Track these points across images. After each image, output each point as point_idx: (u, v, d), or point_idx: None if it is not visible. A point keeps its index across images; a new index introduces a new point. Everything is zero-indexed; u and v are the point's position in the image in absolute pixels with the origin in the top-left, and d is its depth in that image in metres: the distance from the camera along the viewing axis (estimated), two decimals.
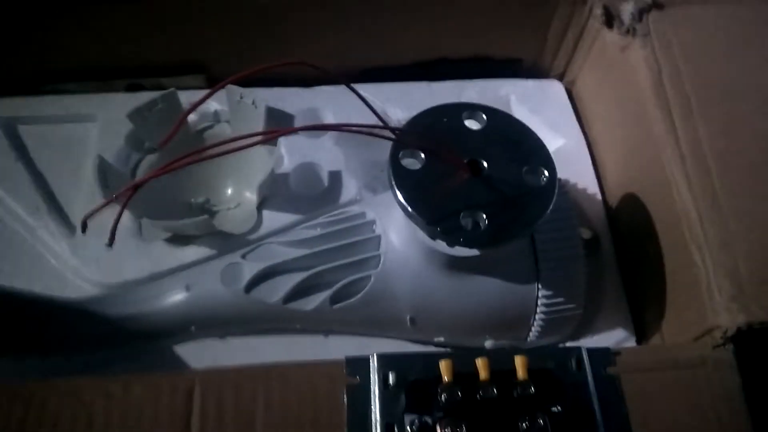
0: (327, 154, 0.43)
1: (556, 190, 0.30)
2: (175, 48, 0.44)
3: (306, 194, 0.41)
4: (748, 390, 0.28)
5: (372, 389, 0.26)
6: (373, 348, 0.36)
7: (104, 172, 0.38)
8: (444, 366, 0.25)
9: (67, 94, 0.45)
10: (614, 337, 0.37)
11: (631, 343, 0.37)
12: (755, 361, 0.29)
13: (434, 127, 0.32)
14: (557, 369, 0.26)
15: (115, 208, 0.39)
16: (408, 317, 0.35)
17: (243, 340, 0.37)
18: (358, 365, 0.27)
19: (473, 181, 0.30)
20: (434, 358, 0.26)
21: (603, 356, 0.27)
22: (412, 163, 0.31)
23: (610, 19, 0.41)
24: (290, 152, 0.42)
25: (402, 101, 0.45)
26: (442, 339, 0.36)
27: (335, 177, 0.42)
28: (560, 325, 0.35)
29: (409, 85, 0.46)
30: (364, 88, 0.45)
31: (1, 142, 0.42)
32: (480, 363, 0.25)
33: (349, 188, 0.42)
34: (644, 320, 0.38)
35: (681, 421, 0.27)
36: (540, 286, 0.34)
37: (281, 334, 0.37)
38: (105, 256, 0.38)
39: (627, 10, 0.39)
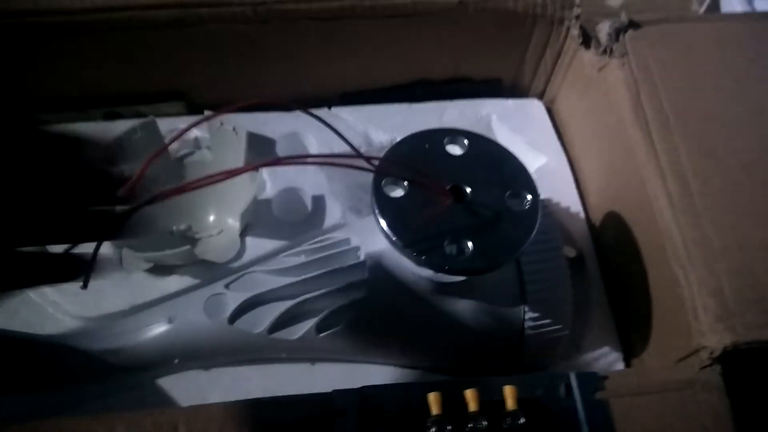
0: (310, 179, 0.43)
1: (539, 214, 0.30)
2: (153, 76, 0.43)
3: (290, 220, 0.41)
4: (737, 411, 0.28)
5: (360, 422, 0.26)
6: (360, 374, 0.36)
7: None
8: (432, 398, 0.25)
9: (46, 123, 0.44)
10: (602, 357, 0.37)
11: (619, 361, 0.37)
12: (742, 382, 0.29)
13: (416, 154, 0.32)
14: (546, 396, 0.26)
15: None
16: (395, 343, 0.35)
17: (228, 370, 0.36)
18: (345, 398, 0.27)
19: (456, 207, 0.30)
20: (422, 390, 0.26)
21: (591, 381, 0.27)
22: (395, 190, 0.31)
23: (587, 39, 0.41)
24: (273, 178, 0.42)
25: (384, 123, 0.46)
26: (430, 364, 0.36)
27: (319, 201, 0.42)
28: (548, 345, 0.35)
29: (390, 107, 0.47)
30: (344, 111, 0.46)
31: None
32: (469, 394, 0.25)
33: (334, 212, 0.42)
34: (631, 338, 0.38)
35: None
36: (527, 309, 0.34)
37: (267, 363, 0.37)
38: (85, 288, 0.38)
39: (604, 30, 0.40)
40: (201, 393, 0.36)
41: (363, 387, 0.26)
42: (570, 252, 0.40)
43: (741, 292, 0.30)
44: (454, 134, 0.33)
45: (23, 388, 0.35)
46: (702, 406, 0.28)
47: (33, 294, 0.39)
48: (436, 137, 0.33)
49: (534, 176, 0.43)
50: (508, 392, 0.25)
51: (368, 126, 0.45)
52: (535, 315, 0.34)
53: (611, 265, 0.40)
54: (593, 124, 0.43)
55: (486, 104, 0.47)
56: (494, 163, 0.32)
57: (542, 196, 0.40)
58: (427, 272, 0.31)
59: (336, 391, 0.27)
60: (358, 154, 0.29)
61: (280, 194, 0.42)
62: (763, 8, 0.56)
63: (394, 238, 0.29)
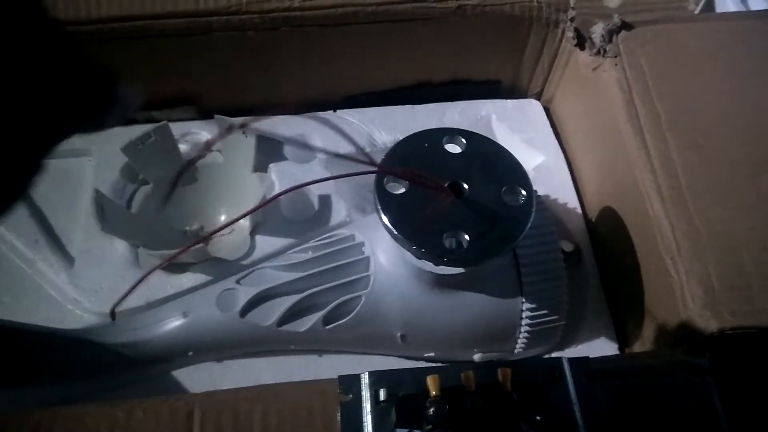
0: (316, 179, 0.44)
1: (534, 208, 0.32)
2: (166, 82, 0.45)
3: (297, 219, 0.43)
4: (723, 394, 0.29)
5: (364, 406, 0.27)
6: (366, 365, 0.38)
7: (101, 204, 0.39)
8: (431, 381, 0.26)
9: None
10: (597, 346, 0.39)
11: (614, 350, 0.38)
12: (729, 365, 0.30)
13: (416, 152, 0.33)
14: (540, 379, 0.28)
15: (108, 238, 0.40)
16: (398, 334, 0.36)
17: (239, 362, 0.38)
18: (350, 383, 0.28)
19: (455, 203, 0.32)
20: (422, 373, 0.27)
21: (583, 365, 0.28)
22: (397, 187, 0.32)
23: (581, 40, 0.43)
24: (281, 178, 0.44)
25: (387, 124, 0.47)
26: (432, 354, 0.38)
27: (325, 200, 0.43)
28: (545, 335, 0.37)
29: (393, 109, 0.48)
30: (349, 113, 0.48)
31: None
32: (466, 376, 0.26)
33: (339, 210, 0.43)
34: (626, 328, 0.39)
35: (659, 425, 0.28)
36: (524, 300, 0.35)
37: (276, 354, 0.38)
38: (103, 286, 0.39)
39: (597, 32, 0.41)
40: (214, 384, 0.37)
41: (367, 371, 0.28)
42: (567, 246, 0.41)
43: (727, 281, 0.31)
44: (453, 133, 0.34)
45: (45, 379, 0.37)
46: (690, 389, 0.29)
47: (53, 291, 0.41)
48: (435, 137, 0.34)
49: (532, 174, 0.45)
50: (503, 374, 0.26)
51: (372, 127, 0.47)
52: (532, 306, 0.35)
53: (606, 258, 0.42)
54: (589, 122, 0.44)
55: (486, 105, 0.49)
56: (491, 161, 0.33)
57: (541, 193, 0.42)
58: (427, 265, 0.33)
59: (341, 377, 0.28)
60: (367, 157, 0.30)
61: (288, 194, 0.43)
62: (757, 8, 0.57)
63: (395, 233, 0.31)
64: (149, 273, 0.37)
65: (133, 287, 0.37)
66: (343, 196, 0.44)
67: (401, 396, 0.27)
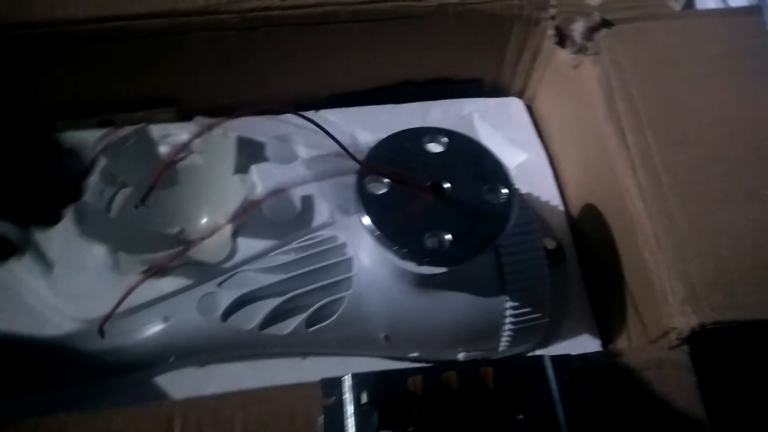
0: (298, 179, 0.44)
1: (514, 207, 0.32)
2: (146, 83, 0.45)
3: (279, 220, 0.42)
4: (705, 388, 0.29)
5: (346, 408, 0.27)
6: (350, 367, 0.37)
7: (79, 208, 0.39)
8: (413, 382, 0.26)
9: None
10: (581, 343, 0.39)
11: (597, 346, 0.39)
12: (710, 360, 0.30)
13: (397, 152, 0.33)
14: (522, 378, 0.28)
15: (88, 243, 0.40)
16: (382, 335, 0.36)
17: (222, 367, 0.38)
18: (332, 386, 0.28)
19: (436, 203, 0.32)
20: (405, 375, 0.27)
21: (565, 363, 0.28)
22: (378, 187, 0.32)
23: (562, 38, 0.43)
24: (262, 179, 0.43)
25: (370, 124, 0.47)
26: (416, 354, 0.38)
27: (307, 201, 0.43)
28: (529, 333, 0.37)
29: (375, 109, 0.48)
30: (331, 113, 0.47)
31: None
32: (448, 376, 0.26)
33: (322, 211, 0.43)
34: (609, 325, 0.39)
35: (641, 421, 0.28)
36: (507, 298, 0.35)
37: (260, 358, 0.38)
38: (83, 292, 0.39)
39: (577, 30, 0.41)
40: (197, 389, 0.37)
41: (347, 375, 0.28)
42: (550, 243, 0.41)
43: (707, 276, 0.32)
44: (434, 133, 0.34)
45: (24, 389, 0.36)
46: (671, 384, 0.29)
47: (32, 298, 0.40)
48: (416, 136, 0.34)
49: (515, 172, 0.45)
50: (485, 374, 0.26)
51: (355, 127, 0.47)
52: (515, 304, 0.35)
53: (589, 255, 0.42)
54: (570, 120, 0.44)
55: (468, 103, 0.49)
56: (472, 160, 0.33)
57: (523, 191, 0.42)
58: (409, 265, 0.32)
59: (323, 380, 0.28)
60: (349, 153, 0.30)
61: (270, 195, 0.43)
62: (737, 5, 0.57)
63: (376, 234, 0.30)
64: (136, 286, 0.36)
65: (120, 301, 0.36)
66: (325, 196, 0.43)
67: (384, 398, 0.27)
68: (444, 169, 0.33)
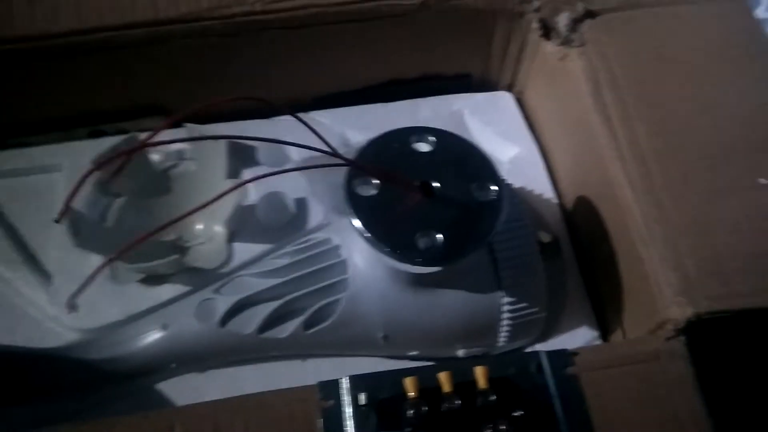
0: (292, 182, 0.44)
1: (505, 203, 0.32)
2: (134, 93, 0.45)
3: (274, 224, 0.42)
4: (702, 379, 0.29)
5: (345, 410, 0.27)
6: (350, 367, 0.38)
7: (74, 219, 0.39)
8: (409, 383, 0.26)
9: (32, 146, 0.46)
10: (580, 336, 0.39)
11: (596, 340, 0.39)
12: (706, 350, 0.30)
13: (385, 153, 0.33)
14: (518, 375, 0.28)
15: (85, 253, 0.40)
16: (380, 335, 0.36)
17: (223, 371, 0.38)
18: (330, 388, 0.28)
19: (426, 202, 0.32)
20: (401, 375, 0.27)
21: (561, 358, 0.28)
22: (367, 189, 0.32)
23: (547, 31, 0.43)
24: (256, 184, 0.43)
25: (360, 124, 0.47)
26: (415, 353, 0.38)
27: (302, 204, 0.43)
28: (527, 328, 0.37)
29: (365, 108, 0.48)
30: (321, 115, 0.47)
31: None
32: (442, 377, 0.26)
33: (316, 213, 0.43)
34: (606, 317, 0.39)
35: (639, 413, 0.28)
36: (503, 293, 0.35)
37: (261, 361, 0.38)
38: (82, 302, 0.39)
39: (562, 22, 0.41)
40: (198, 395, 0.37)
41: (345, 377, 0.28)
42: (545, 237, 0.41)
43: (701, 266, 0.32)
44: (421, 132, 0.34)
45: (26, 400, 0.37)
46: (668, 375, 0.29)
47: (32, 310, 0.40)
48: (404, 136, 0.34)
49: (507, 166, 0.45)
50: (479, 372, 0.26)
51: (345, 128, 0.47)
52: (512, 299, 0.35)
53: (585, 247, 0.42)
54: (559, 112, 0.44)
55: (457, 100, 0.49)
56: (461, 158, 0.33)
57: (516, 185, 0.42)
58: (403, 265, 0.33)
59: (321, 383, 0.28)
60: (337, 155, 0.30)
61: (264, 199, 0.43)
62: None
63: (368, 236, 0.31)
64: (103, 266, 0.36)
65: (90, 279, 0.36)
66: (319, 198, 0.43)
67: (381, 399, 0.27)
68: (433, 168, 0.33)
